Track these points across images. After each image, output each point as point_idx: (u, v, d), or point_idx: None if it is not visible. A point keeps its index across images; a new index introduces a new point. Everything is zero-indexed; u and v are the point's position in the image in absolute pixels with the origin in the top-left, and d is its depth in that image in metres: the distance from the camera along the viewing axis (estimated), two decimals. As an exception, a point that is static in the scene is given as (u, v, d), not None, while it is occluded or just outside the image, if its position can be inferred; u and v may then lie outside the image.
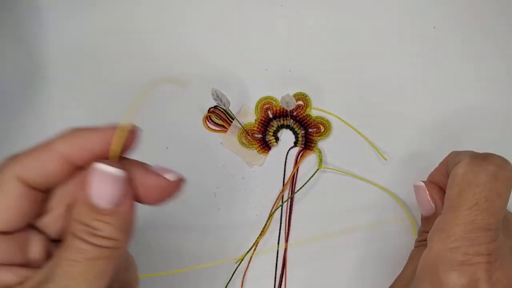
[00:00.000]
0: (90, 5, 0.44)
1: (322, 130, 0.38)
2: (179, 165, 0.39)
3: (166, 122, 0.40)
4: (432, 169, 0.34)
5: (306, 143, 0.38)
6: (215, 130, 0.40)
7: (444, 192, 0.26)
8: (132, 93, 0.44)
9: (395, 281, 0.28)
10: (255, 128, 0.39)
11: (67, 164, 0.21)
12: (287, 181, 0.38)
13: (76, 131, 0.21)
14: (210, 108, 0.40)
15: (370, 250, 0.36)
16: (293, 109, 0.38)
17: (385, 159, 0.37)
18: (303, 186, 0.37)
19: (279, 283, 0.36)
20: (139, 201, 0.23)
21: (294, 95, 0.39)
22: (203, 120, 0.40)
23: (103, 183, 0.20)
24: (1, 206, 0.20)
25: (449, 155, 0.28)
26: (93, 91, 0.42)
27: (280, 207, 0.37)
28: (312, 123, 0.39)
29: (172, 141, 0.40)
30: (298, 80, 0.40)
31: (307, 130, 0.38)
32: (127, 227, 0.21)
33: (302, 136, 0.38)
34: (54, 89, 0.42)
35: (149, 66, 0.42)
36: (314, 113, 0.39)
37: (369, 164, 0.37)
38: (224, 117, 0.40)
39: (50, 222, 0.22)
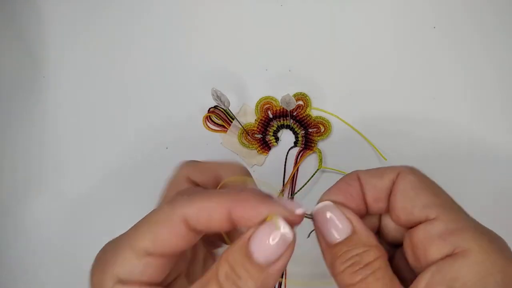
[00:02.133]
0: (90, 5, 0.44)
1: (322, 130, 0.38)
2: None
3: (166, 122, 0.40)
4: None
5: (306, 143, 0.38)
6: (215, 130, 0.40)
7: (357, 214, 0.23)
8: (132, 93, 0.44)
9: None
10: (255, 128, 0.39)
11: (227, 221, 0.21)
12: (287, 181, 0.38)
13: (246, 194, 0.22)
14: (210, 108, 0.40)
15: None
16: (293, 109, 0.38)
17: (385, 159, 0.37)
18: (303, 186, 0.37)
19: (279, 283, 0.36)
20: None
21: (294, 95, 0.39)
22: (203, 120, 0.40)
23: (271, 240, 0.20)
24: (166, 237, 0.22)
25: (349, 176, 0.25)
26: (93, 91, 0.42)
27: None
28: (312, 123, 0.39)
29: (172, 141, 0.40)
30: (298, 80, 0.40)
31: (307, 130, 0.38)
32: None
33: (302, 136, 0.38)
34: (54, 89, 0.42)
35: (149, 66, 0.42)
36: (314, 113, 0.39)
37: (369, 164, 0.37)
38: (224, 117, 0.40)
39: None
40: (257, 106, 0.39)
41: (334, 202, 0.24)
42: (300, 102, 0.39)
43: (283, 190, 0.38)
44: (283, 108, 0.39)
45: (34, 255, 0.40)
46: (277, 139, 0.39)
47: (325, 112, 0.39)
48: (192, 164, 0.26)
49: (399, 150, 0.38)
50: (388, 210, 0.24)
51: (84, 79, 0.42)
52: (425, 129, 0.38)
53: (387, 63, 0.39)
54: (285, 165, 0.38)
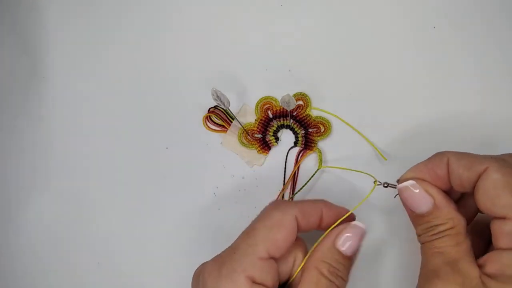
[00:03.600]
0: (90, 5, 0.44)
1: (322, 130, 0.38)
2: (179, 165, 0.40)
3: (166, 122, 0.40)
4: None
5: (306, 143, 0.38)
6: (215, 130, 0.40)
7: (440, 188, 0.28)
8: (132, 93, 0.44)
9: (439, 272, 0.27)
10: (255, 128, 0.39)
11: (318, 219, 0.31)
12: (287, 181, 0.38)
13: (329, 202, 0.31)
14: (210, 108, 0.40)
15: (371, 248, 0.36)
16: (293, 109, 0.38)
17: (385, 159, 0.37)
18: (303, 186, 0.37)
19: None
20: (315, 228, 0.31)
21: (294, 95, 0.39)
22: (203, 120, 0.40)
23: (354, 236, 0.29)
24: (281, 239, 0.28)
25: (440, 157, 0.29)
26: (93, 91, 0.42)
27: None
28: (312, 123, 0.39)
29: (172, 141, 0.40)
30: (298, 80, 0.40)
31: (307, 130, 0.38)
32: (350, 272, 0.29)
33: (302, 136, 0.38)
34: (54, 89, 0.42)
35: (149, 66, 0.42)
36: (314, 113, 0.39)
37: (369, 164, 0.37)
38: (224, 117, 0.40)
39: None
40: (257, 106, 0.39)
41: (419, 179, 0.29)
42: (300, 102, 0.39)
43: (283, 190, 0.38)
44: (283, 108, 0.39)
45: (35, 255, 0.40)
46: (277, 139, 0.39)
47: (325, 112, 0.39)
48: (298, 206, 0.30)
49: (399, 150, 0.38)
50: (472, 192, 0.27)
51: (84, 79, 0.42)
52: (425, 129, 0.38)
53: (387, 63, 0.39)
54: (285, 165, 0.38)
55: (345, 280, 0.28)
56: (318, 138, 0.38)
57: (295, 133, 0.39)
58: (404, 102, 0.39)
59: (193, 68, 0.41)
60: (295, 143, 0.39)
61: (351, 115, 0.38)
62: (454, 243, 0.27)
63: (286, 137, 0.39)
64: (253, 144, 0.38)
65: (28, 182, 0.41)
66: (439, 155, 0.29)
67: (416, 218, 0.29)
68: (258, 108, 0.39)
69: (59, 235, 0.40)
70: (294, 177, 0.38)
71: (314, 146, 0.38)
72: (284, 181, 0.38)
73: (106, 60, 0.42)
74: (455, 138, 0.37)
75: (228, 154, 0.39)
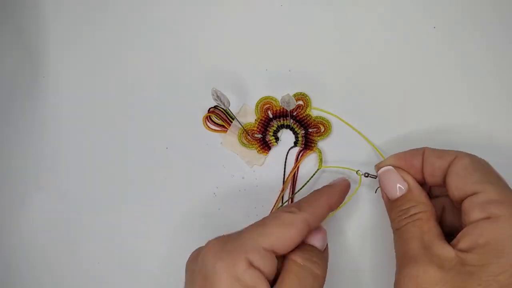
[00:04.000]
0: (90, 5, 0.44)
1: (322, 130, 0.38)
2: (179, 165, 0.40)
3: (166, 122, 0.40)
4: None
5: (306, 143, 0.38)
6: (215, 130, 0.40)
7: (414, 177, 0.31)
8: (132, 93, 0.44)
9: (416, 257, 0.28)
10: (255, 128, 0.39)
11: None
12: (287, 181, 0.38)
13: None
14: (210, 108, 0.40)
15: (371, 248, 0.36)
16: (293, 109, 0.38)
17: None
18: (303, 186, 0.37)
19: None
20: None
21: (294, 95, 0.39)
22: (203, 120, 0.40)
23: (322, 235, 0.31)
24: (288, 237, 0.28)
25: (417, 149, 0.31)
26: (93, 91, 0.42)
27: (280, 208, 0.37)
28: (312, 123, 0.39)
29: (172, 141, 0.40)
30: (298, 80, 0.40)
31: (307, 130, 0.38)
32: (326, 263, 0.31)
33: (302, 136, 0.38)
34: (54, 89, 0.42)
35: (149, 66, 0.42)
36: (314, 113, 0.39)
37: (369, 164, 0.37)
38: (224, 117, 0.40)
39: None
40: (257, 106, 0.39)
41: (396, 166, 0.32)
42: (300, 102, 0.39)
43: (283, 190, 0.38)
44: (283, 108, 0.39)
45: (35, 255, 0.40)
46: (277, 139, 0.39)
47: (325, 112, 0.39)
48: (308, 210, 0.30)
49: (399, 150, 0.37)
50: (442, 184, 0.30)
51: (84, 79, 0.42)
52: (425, 129, 0.38)
53: (387, 63, 0.39)
54: (285, 165, 0.38)
55: (320, 265, 0.29)
56: (318, 138, 0.38)
57: (295, 133, 0.39)
58: (404, 102, 0.39)
59: (193, 68, 0.41)
60: (295, 143, 0.39)
61: (351, 115, 0.38)
62: (426, 228, 0.28)
63: (286, 137, 0.39)
64: (253, 144, 0.38)
65: (28, 181, 0.41)
66: (417, 148, 0.32)
67: (391, 204, 0.31)
68: (258, 108, 0.39)
69: (59, 235, 0.40)
70: (294, 177, 0.38)
71: (314, 146, 0.38)
72: (284, 181, 0.38)
73: (106, 60, 0.42)
74: (455, 138, 0.37)
75: (228, 154, 0.39)
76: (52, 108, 0.42)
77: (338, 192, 0.32)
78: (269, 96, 0.39)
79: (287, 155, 0.38)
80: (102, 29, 0.43)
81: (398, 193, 0.31)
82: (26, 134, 0.42)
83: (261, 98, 0.39)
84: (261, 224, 0.29)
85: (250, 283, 0.26)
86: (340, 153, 0.38)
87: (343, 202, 0.33)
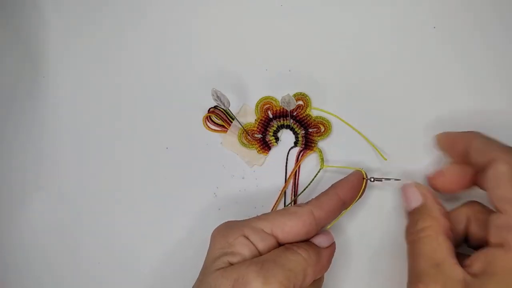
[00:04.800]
0: (90, 5, 0.44)
1: (322, 130, 0.38)
2: (179, 165, 0.40)
3: (166, 122, 0.40)
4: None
5: (306, 143, 0.38)
6: (215, 130, 0.40)
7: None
8: (132, 93, 0.44)
9: (424, 274, 0.28)
10: (255, 128, 0.39)
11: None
12: (288, 181, 0.38)
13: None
14: (210, 108, 0.40)
15: (371, 247, 0.36)
16: (293, 109, 0.38)
17: (385, 159, 0.37)
18: (306, 187, 0.37)
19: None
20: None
21: (294, 95, 0.39)
22: (203, 120, 0.40)
23: (327, 237, 0.32)
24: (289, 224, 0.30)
25: (473, 138, 0.30)
26: (93, 91, 0.42)
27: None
28: (312, 123, 0.39)
29: (172, 141, 0.40)
30: (298, 80, 0.40)
31: (307, 130, 0.38)
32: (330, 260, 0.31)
33: (302, 136, 0.38)
34: (54, 89, 0.42)
35: (149, 66, 0.42)
36: (314, 113, 0.39)
37: (369, 164, 0.37)
38: (224, 117, 0.40)
39: None
40: (257, 106, 0.39)
41: (444, 139, 0.33)
42: (300, 102, 0.39)
43: (283, 190, 0.38)
44: (283, 108, 0.39)
45: (35, 255, 0.40)
46: (277, 139, 0.39)
47: (325, 112, 0.39)
48: (313, 203, 0.32)
49: (399, 150, 0.38)
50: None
51: (84, 79, 0.42)
52: (425, 129, 0.38)
53: (387, 63, 0.39)
54: (286, 165, 0.38)
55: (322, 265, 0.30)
56: (318, 138, 0.38)
57: (295, 133, 0.39)
58: (404, 102, 0.39)
59: (193, 68, 0.41)
60: (295, 143, 0.39)
61: (351, 115, 0.38)
62: (435, 245, 0.28)
63: (286, 137, 0.39)
64: (253, 144, 0.38)
65: (28, 181, 0.41)
66: (469, 133, 0.31)
67: (408, 215, 0.32)
68: (258, 108, 0.39)
69: (59, 235, 0.40)
70: (295, 177, 0.38)
71: (314, 146, 0.38)
72: (285, 180, 0.38)
73: (106, 60, 0.42)
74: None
75: (228, 154, 0.39)
76: (52, 108, 0.42)
77: (347, 183, 0.32)
78: (269, 96, 0.39)
79: (287, 155, 0.38)
80: (102, 29, 0.43)
81: (413, 205, 0.31)
82: (26, 134, 0.42)
83: (261, 98, 0.39)
84: (266, 213, 0.31)
85: (238, 249, 0.28)
86: (340, 153, 0.38)
87: (357, 197, 0.33)
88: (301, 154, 0.38)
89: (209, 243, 0.31)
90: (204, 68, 0.41)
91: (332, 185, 0.33)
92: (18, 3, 0.44)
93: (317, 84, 0.40)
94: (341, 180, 0.33)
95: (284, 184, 0.38)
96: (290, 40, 0.41)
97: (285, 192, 0.38)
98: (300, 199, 0.38)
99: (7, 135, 0.42)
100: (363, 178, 0.34)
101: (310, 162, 0.38)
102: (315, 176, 0.37)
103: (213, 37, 0.42)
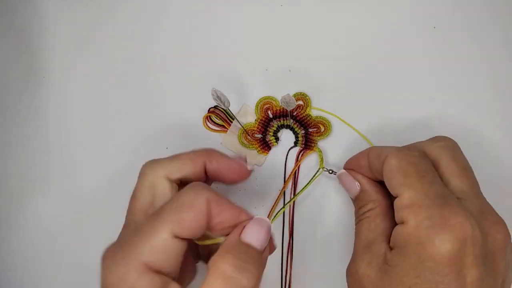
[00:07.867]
0: (90, 5, 0.44)
1: (322, 130, 0.38)
2: (179, 165, 0.39)
3: (166, 122, 0.40)
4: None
5: (306, 143, 0.38)
6: (215, 130, 0.40)
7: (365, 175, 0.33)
8: (132, 93, 0.44)
9: (356, 254, 0.30)
10: (255, 128, 0.39)
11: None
12: (287, 180, 0.38)
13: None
14: (210, 108, 0.40)
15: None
16: (293, 109, 0.38)
17: (385, 159, 0.37)
18: (305, 187, 0.37)
19: (284, 283, 0.36)
20: (223, 181, 0.32)
21: (294, 95, 0.39)
22: (203, 120, 0.40)
23: (260, 228, 0.27)
24: (189, 219, 0.26)
25: (365, 150, 0.33)
26: (93, 91, 0.42)
27: (283, 209, 0.37)
28: (312, 123, 0.39)
29: (172, 141, 0.40)
30: (298, 80, 0.40)
31: (307, 130, 0.38)
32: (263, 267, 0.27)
33: (302, 136, 0.38)
34: (54, 89, 0.42)
35: (149, 66, 0.42)
36: (314, 113, 0.39)
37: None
38: (224, 117, 0.40)
39: None
40: (257, 106, 0.39)
41: (348, 169, 0.34)
42: (300, 102, 0.39)
43: (283, 190, 0.38)
44: (283, 108, 0.39)
45: (35, 255, 0.40)
46: (277, 139, 0.39)
47: (325, 112, 0.39)
48: (210, 189, 0.28)
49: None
50: None
51: (84, 80, 0.42)
52: (424, 129, 0.38)
53: (387, 63, 0.39)
54: (285, 165, 0.38)
55: (252, 274, 0.25)
56: (318, 138, 0.38)
57: (295, 133, 0.39)
58: (404, 102, 0.39)
59: (193, 68, 0.41)
60: (295, 143, 0.39)
61: (351, 115, 0.38)
62: (373, 226, 0.30)
63: (286, 137, 0.39)
64: (253, 144, 0.38)
65: (28, 182, 0.41)
66: (364, 150, 0.33)
67: (353, 202, 0.34)
68: (258, 108, 0.39)
69: (59, 235, 0.40)
70: (295, 176, 0.38)
71: (314, 146, 0.38)
72: (284, 180, 0.38)
73: (106, 60, 0.42)
74: (454, 138, 0.37)
75: (228, 154, 0.39)
76: (52, 108, 0.42)
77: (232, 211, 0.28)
78: (269, 96, 0.39)
79: (287, 155, 0.38)
80: (102, 29, 0.43)
81: (354, 193, 0.33)
82: (26, 134, 0.42)
83: (261, 98, 0.39)
84: (159, 211, 0.27)
85: None
86: (340, 153, 0.38)
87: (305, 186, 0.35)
88: (301, 154, 0.38)
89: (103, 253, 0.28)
90: (204, 68, 0.41)
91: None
92: (18, 3, 0.44)
93: (317, 84, 0.40)
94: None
95: (284, 184, 0.38)
96: (290, 40, 0.41)
97: (284, 192, 0.38)
98: (300, 199, 0.38)
99: (7, 135, 0.42)
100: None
101: (310, 162, 0.38)
102: (314, 177, 0.37)
103: (213, 37, 0.42)
